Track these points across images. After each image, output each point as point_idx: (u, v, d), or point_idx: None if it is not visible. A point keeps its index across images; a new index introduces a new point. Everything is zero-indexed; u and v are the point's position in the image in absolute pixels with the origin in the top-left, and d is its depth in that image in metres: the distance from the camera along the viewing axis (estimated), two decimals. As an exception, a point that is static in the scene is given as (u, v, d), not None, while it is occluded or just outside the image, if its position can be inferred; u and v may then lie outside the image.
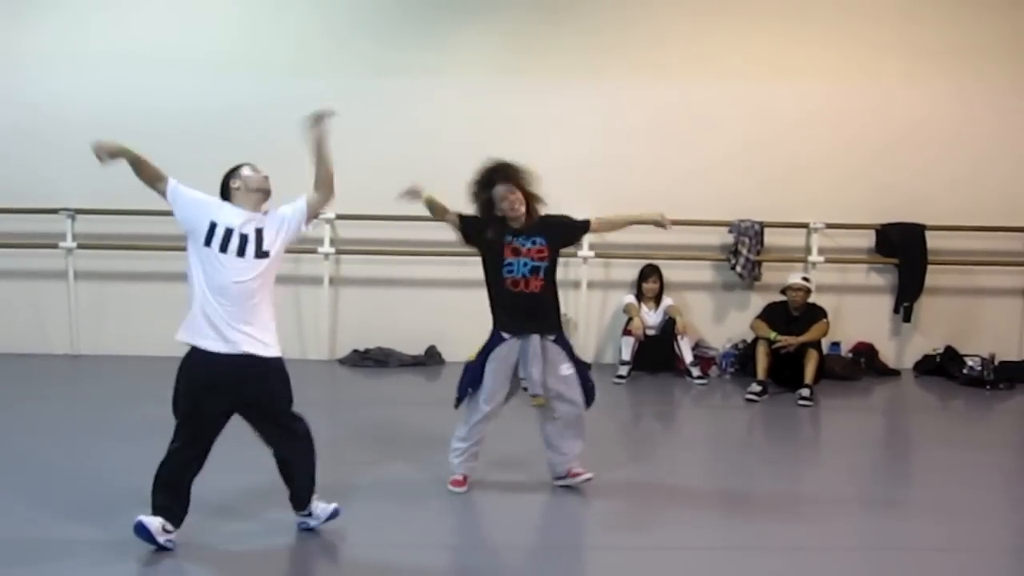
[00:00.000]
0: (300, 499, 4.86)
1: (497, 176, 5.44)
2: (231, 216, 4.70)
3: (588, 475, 5.61)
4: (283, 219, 4.87)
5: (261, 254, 4.70)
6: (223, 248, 4.63)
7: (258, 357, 4.58)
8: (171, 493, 4.58)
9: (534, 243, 5.42)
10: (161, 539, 4.52)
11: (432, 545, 4.91)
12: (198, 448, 4.58)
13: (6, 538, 4.76)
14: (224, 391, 4.53)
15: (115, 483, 5.53)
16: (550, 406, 5.49)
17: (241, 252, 4.64)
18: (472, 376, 5.54)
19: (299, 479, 4.83)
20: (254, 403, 4.65)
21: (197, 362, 4.56)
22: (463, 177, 9.17)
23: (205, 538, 4.76)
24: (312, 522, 4.89)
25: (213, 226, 4.67)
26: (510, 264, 5.40)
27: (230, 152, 9.12)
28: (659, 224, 6.02)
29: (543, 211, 5.57)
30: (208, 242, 4.65)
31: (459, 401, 5.64)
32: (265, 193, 4.85)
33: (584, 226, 5.73)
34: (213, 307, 4.57)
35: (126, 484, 5.44)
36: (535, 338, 5.43)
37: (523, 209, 5.41)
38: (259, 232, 4.72)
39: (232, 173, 4.89)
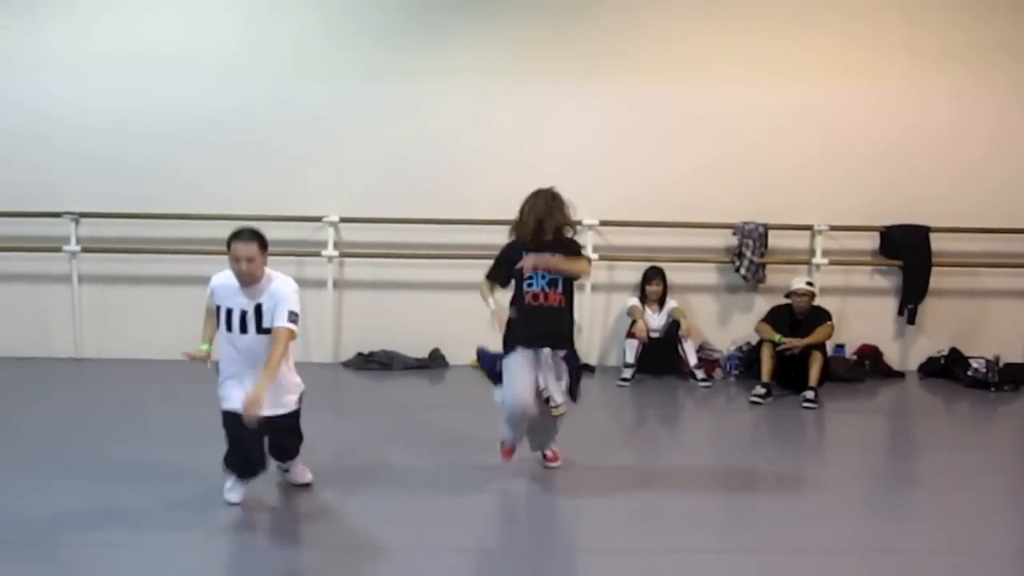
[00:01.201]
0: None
1: (545, 216, 5.58)
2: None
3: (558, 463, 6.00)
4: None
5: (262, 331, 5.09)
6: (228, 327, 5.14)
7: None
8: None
9: (553, 255, 5.53)
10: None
11: (435, 547, 4.90)
12: None
13: (15, 541, 4.77)
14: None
15: (121, 485, 5.53)
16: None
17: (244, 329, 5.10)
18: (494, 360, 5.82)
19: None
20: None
21: None
22: (466, 179, 9.27)
23: (211, 530, 4.76)
24: (287, 473, 5.54)
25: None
26: (530, 278, 5.53)
27: (233, 155, 9.29)
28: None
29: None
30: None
31: (493, 377, 5.88)
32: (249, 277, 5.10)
33: (586, 262, 5.95)
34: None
35: (133, 486, 5.46)
36: (547, 351, 5.59)
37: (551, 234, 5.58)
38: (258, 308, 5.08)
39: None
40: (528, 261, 5.49)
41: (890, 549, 4.99)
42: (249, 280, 5.01)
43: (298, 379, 5.32)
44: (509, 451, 5.93)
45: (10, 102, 9.24)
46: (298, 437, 5.39)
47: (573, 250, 5.68)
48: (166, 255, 9.11)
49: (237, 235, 5.03)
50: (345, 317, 9.52)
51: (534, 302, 5.54)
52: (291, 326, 5.02)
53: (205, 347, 5.23)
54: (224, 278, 5.14)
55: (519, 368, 5.56)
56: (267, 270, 5.09)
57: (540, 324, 5.56)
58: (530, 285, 5.52)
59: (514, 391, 5.56)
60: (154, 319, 9.12)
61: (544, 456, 6.06)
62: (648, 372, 9.03)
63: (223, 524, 5.00)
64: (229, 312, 5.05)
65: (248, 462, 5.13)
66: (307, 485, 5.53)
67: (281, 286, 5.09)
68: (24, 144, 9.23)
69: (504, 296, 5.78)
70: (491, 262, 5.80)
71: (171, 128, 9.20)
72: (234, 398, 4.99)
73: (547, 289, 5.51)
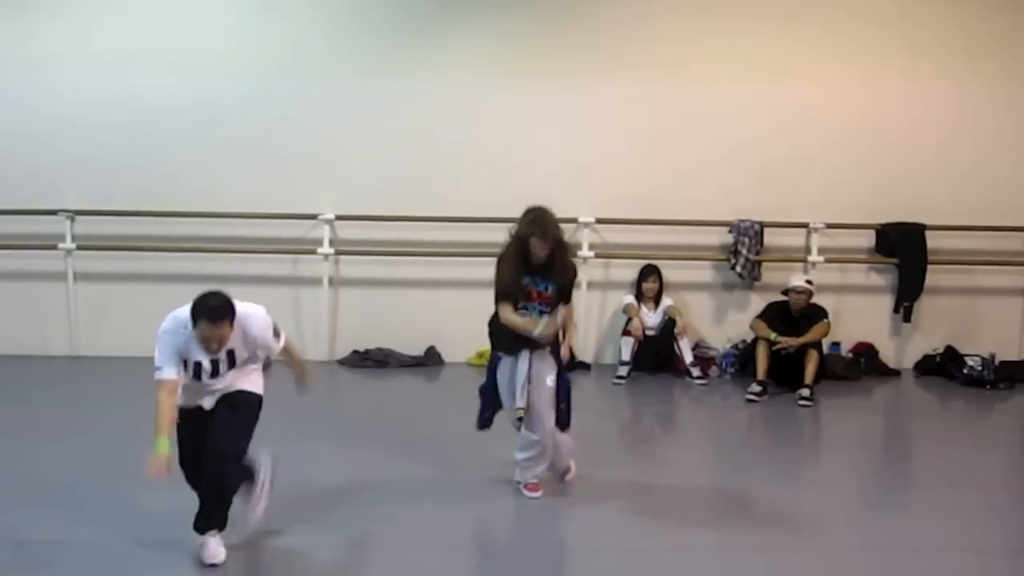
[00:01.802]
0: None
1: (537, 230, 5.36)
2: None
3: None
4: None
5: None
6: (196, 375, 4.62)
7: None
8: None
9: (547, 288, 5.46)
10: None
11: (430, 546, 4.90)
12: None
13: (11, 540, 4.77)
14: None
15: (119, 484, 5.53)
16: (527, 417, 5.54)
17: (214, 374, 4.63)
18: (487, 397, 5.72)
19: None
20: None
21: None
22: (462, 176, 9.26)
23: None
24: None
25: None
26: (524, 307, 5.47)
27: (229, 153, 9.28)
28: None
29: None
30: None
31: (481, 423, 5.77)
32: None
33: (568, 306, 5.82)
34: None
35: (130, 486, 5.45)
36: (526, 352, 5.51)
37: (546, 253, 5.42)
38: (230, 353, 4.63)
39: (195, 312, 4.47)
40: (542, 330, 5.44)
41: (886, 547, 5.00)
42: (220, 353, 4.56)
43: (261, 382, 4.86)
44: (535, 485, 5.66)
45: (5, 100, 9.22)
46: (243, 431, 4.69)
47: (567, 275, 5.56)
48: (162, 252, 9.09)
49: (202, 310, 4.39)
50: (341, 314, 9.51)
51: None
52: (281, 344, 4.79)
53: (165, 448, 4.34)
54: (178, 327, 4.49)
55: (505, 375, 5.57)
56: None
57: (525, 340, 5.46)
58: (524, 310, 5.45)
59: (507, 396, 5.57)
60: (150, 317, 8.93)
61: (562, 475, 5.84)
62: (644, 370, 9.03)
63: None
64: (198, 365, 4.54)
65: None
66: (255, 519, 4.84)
67: (251, 327, 4.59)
68: (19, 141, 9.20)
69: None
70: (492, 259, 5.62)
71: (167, 125, 9.18)
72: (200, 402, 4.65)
73: (536, 317, 5.42)
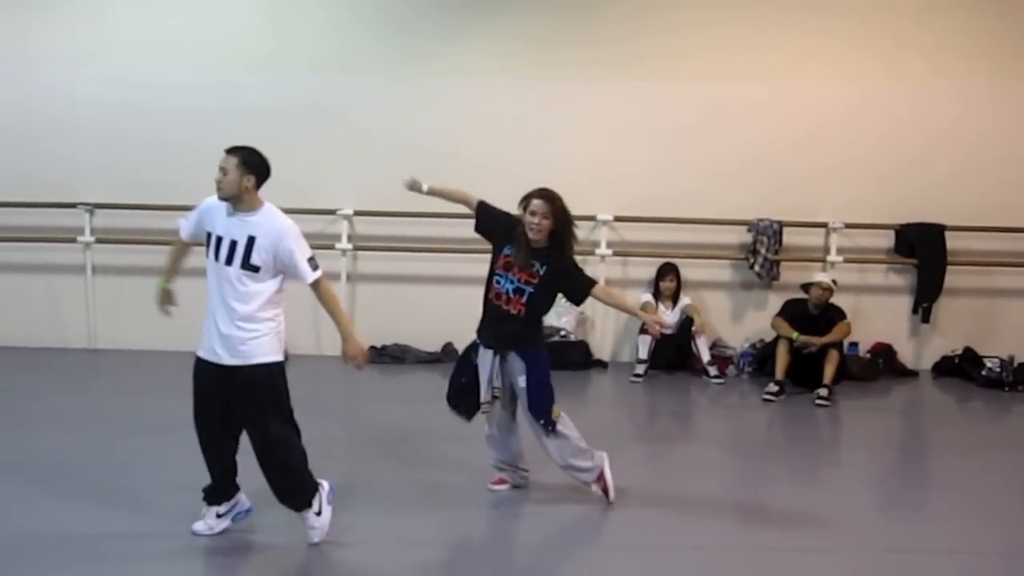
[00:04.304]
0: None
1: (543, 194, 5.22)
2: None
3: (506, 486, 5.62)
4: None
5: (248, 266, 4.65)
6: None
7: None
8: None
9: (532, 267, 5.19)
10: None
11: (444, 543, 4.92)
12: None
13: (34, 532, 4.80)
14: None
15: (140, 476, 5.58)
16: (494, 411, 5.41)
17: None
18: (457, 375, 5.54)
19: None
20: None
21: None
22: (483, 173, 9.24)
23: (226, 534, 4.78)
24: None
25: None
26: (499, 277, 5.26)
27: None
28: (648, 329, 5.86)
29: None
30: None
31: (451, 401, 5.59)
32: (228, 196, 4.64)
33: (587, 283, 5.41)
34: None
35: (151, 477, 5.49)
36: (490, 353, 5.33)
37: (543, 235, 5.20)
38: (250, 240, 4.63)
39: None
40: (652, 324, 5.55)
41: (902, 548, 4.99)
42: (222, 193, 4.59)
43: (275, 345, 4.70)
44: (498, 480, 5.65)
45: (26, 94, 9.26)
46: (274, 414, 4.65)
47: (563, 263, 5.30)
48: (180, 247, 9.13)
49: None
50: (358, 310, 9.51)
51: (496, 300, 5.27)
52: (318, 274, 4.67)
53: (163, 284, 5.06)
54: (217, 200, 4.68)
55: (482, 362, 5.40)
56: (267, 204, 4.67)
57: (496, 323, 5.29)
58: (497, 283, 5.25)
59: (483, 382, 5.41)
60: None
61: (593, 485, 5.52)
62: (661, 368, 9.02)
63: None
64: (219, 240, 4.63)
65: (199, 421, 4.69)
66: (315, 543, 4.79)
67: (278, 223, 4.63)
68: (39, 135, 9.24)
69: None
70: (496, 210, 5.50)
71: (186, 120, 9.20)
72: (204, 345, 4.67)
73: (511, 295, 5.20)
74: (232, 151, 4.61)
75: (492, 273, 5.32)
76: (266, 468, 4.66)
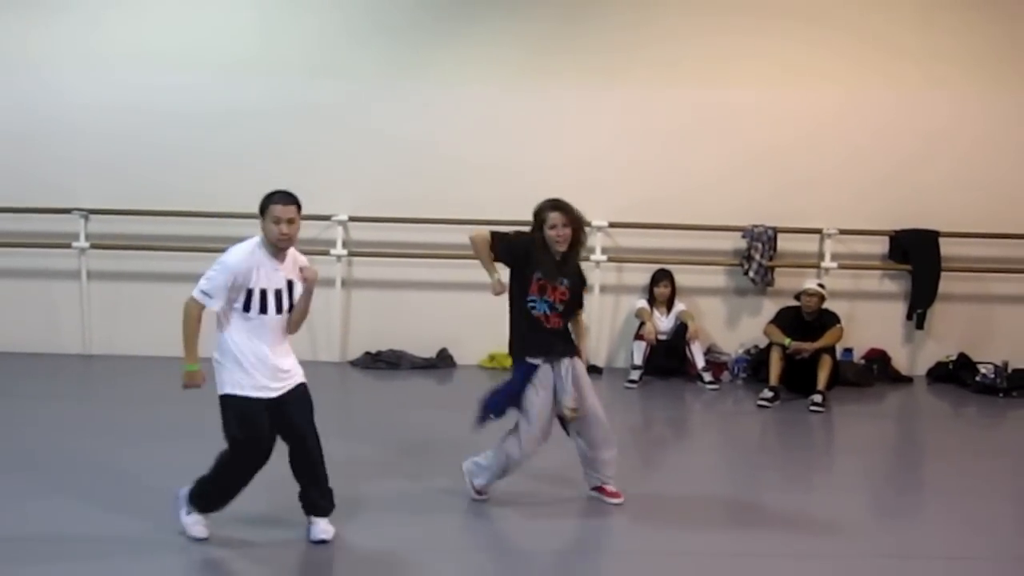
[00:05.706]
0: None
1: (556, 205, 5.30)
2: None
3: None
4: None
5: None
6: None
7: None
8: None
9: (562, 283, 5.33)
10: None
11: (442, 549, 4.90)
12: None
13: (29, 535, 4.79)
14: None
15: (136, 481, 5.56)
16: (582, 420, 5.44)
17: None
18: (501, 399, 5.45)
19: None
20: None
21: None
22: (476, 179, 9.27)
23: (224, 536, 4.78)
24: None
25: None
26: (533, 302, 5.32)
27: (243, 153, 9.30)
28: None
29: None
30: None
31: (482, 420, 5.50)
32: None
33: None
34: None
35: (146, 482, 5.47)
36: (565, 360, 5.40)
37: (567, 244, 5.31)
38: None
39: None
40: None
41: (897, 554, 4.99)
42: (286, 245, 4.56)
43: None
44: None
45: (21, 99, 9.26)
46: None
47: (582, 273, 5.55)
48: (175, 252, 9.10)
49: (272, 196, 4.57)
50: (353, 316, 9.52)
51: (544, 322, 5.33)
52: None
53: (191, 367, 4.63)
54: (245, 251, 4.55)
55: (541, 388, 5.34)
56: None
57: (548, 341, 5.36)
58: (533, 307, 5.31)
59: (537, 412, 5.32)
60: (163, 316, 9.02)
61: (602, 489, 5.59)
62: (655, 374, 9.02)
63: (227, 518, 4.99)
64: (263, 293, 4.54)
65: (261, 451, 4.59)
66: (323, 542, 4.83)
67: (298, 257, 4.72)
68: (34, 141, 9.24)
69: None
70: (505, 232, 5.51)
71: (181, 125, 9.21)
72: (255, 384, 4.56)
73: (549, 313, 5.32)
74: (294, 199, 4.58)
75: (526, 299, 5.33)
76: (317, 472, 4.80)
